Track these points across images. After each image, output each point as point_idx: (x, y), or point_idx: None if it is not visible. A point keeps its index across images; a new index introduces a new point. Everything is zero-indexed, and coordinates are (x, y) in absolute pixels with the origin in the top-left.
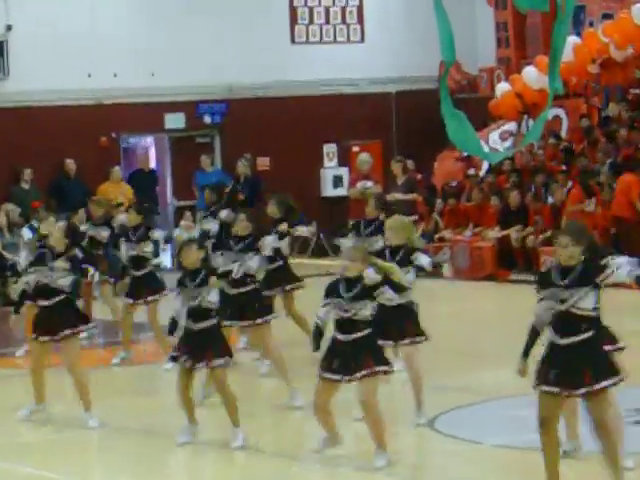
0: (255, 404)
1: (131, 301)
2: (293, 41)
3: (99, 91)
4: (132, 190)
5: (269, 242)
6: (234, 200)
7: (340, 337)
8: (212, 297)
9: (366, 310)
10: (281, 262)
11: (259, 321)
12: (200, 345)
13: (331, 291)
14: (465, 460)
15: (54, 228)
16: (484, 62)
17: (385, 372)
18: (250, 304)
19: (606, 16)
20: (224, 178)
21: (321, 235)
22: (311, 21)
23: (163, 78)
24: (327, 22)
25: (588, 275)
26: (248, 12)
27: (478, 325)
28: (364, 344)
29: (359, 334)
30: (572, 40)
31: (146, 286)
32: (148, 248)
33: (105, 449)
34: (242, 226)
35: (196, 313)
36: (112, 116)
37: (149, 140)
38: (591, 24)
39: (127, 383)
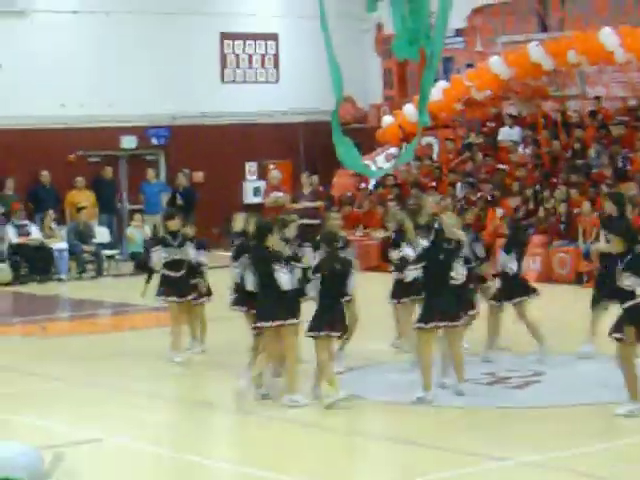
0: None
1: (178, 300)
2: (223, 80)
3: (69, 118)
4: (94, 195)
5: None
6: (173, 206)
7: None
8: None
9: None
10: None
11: None
12: None
13: None
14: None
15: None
16: (373, 100)
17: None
18: None
19: (469, 65)
20: (165, 188)
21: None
22: (237, 65)
23: (119, 108)
24: (250, 66)
25: None
26: (188, 58)
27: (363, 306)
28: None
29: None
30: (443, 84)
31: (187, 285)
32: (190, 253)
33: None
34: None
35: None
36: (79, 138)
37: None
38: (458, 71)
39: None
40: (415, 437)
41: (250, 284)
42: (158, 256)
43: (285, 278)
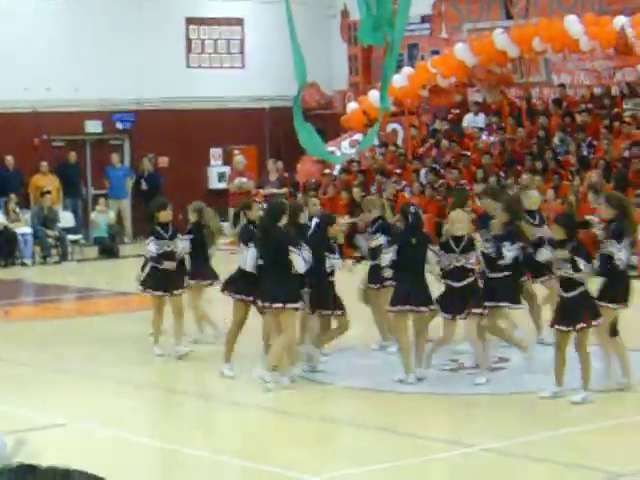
0: None
1: (165, 294)
2: (188, 65)
3: (34, 102)
4: (59, 180)
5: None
6: (138, 191)
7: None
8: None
9: None
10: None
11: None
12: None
13: None
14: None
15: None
16: (338, 86)
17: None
18: None
19: (434, 52)
20: (129, 173)
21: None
22: (203, 50)
23: (85, 92)
24: (215, 51)
25: None
26: (153, 43)
27: None
28: None
29: None
30: (408, 70)
31: (179, 278)
32: (179, 245)
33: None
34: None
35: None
36: (44, 122)
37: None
38: (422, 58)
39: None
40: (384, 423)
41: (250, 265)
42: (152, 248)
43: (300, 260)
